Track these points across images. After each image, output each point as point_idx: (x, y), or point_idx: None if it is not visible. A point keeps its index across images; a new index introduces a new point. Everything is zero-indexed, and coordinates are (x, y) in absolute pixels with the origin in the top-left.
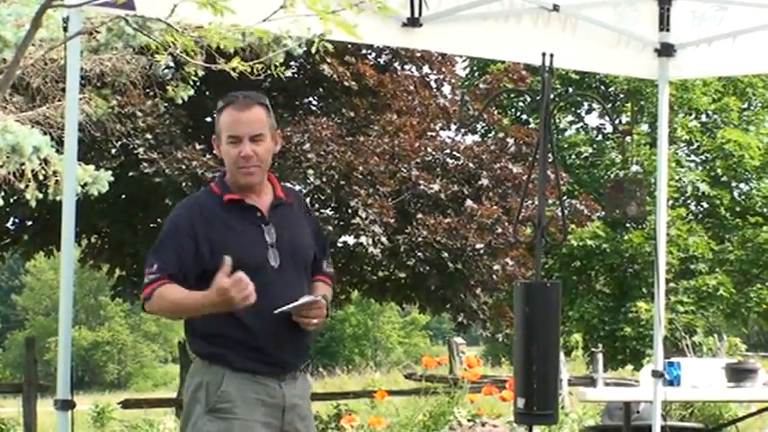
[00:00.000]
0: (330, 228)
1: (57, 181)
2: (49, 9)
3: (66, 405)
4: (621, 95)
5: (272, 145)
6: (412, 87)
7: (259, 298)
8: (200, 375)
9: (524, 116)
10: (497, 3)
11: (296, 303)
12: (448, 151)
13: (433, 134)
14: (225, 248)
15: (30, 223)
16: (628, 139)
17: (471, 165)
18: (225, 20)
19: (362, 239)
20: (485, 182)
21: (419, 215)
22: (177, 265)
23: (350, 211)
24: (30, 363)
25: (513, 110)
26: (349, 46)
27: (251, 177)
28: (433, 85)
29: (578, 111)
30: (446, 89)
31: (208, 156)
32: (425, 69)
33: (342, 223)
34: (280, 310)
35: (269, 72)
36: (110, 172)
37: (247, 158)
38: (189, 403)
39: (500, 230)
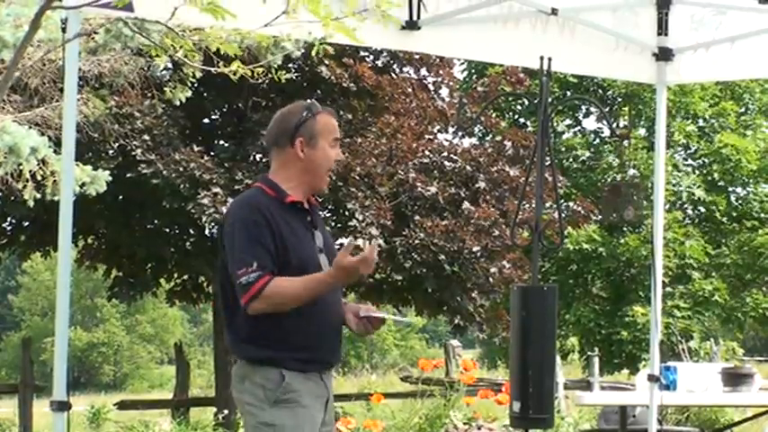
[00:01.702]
0: (327, 229)
1: (54, 181)
2: (48, 10)
3: (63, 406)
4: (619, 99)
5: None
6: (410, 89)
7: (316, 303)
8: (252, 377)
9: (522, 119)
10: (495, 6)
11: (394, 317)
12: (445, 154)
13: (431, 136)
14: (290, 248)
15: (26, 224)
16: (625, 142)
17: (468, 167)
18: (226, 24)
19: (359, 242)
20: (482, 185)
21: (416, 217)
22: (273, 262)
23: (347, 212)
24: (26, 364)
25: (510, 113)
26: (347, 48)
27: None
28: (431, 87)
29: (576, 114)
30: (444, 92)
31: (205, 158)
32: (423, 72)
33: (339, 225)
34: (395, 319)
35: (268, 74)
36: (107, 172)
37: (338, 162)
38: (248, 405)
39: (497, 233)
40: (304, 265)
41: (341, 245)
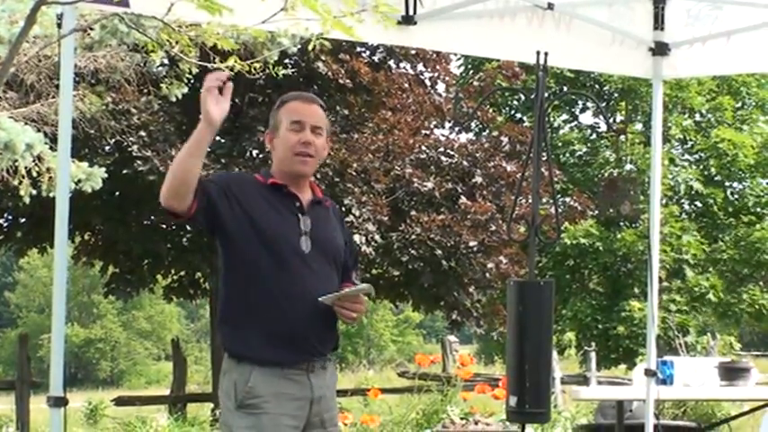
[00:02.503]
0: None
1: (50, 178)
2: (43, 6)
3: (59, 402)
4: (616, 94)
5: (326, 144)
6: (406, 85)
7: (289, 282)
8: (230, 373)
9: (518, 114)
10: (492, 1)
11: (349, 290)
12: (442, 149)
13: (428, 132)
14: (257, 220)
15: (23, 220)
16: (622, 137)
17: (465, 163)
18: (223, 19)
19: (356, 237)
20: (478, 180)
21: (413, 212)
22: (209, 197)
23: (344, 208)
24: (23, 360)
25: (507, 108)
26: (343, 44)
27: (305, 166)
28: (428, 82)
29: (572, 109)
30: (440, 87)
31: None
32: (420, 67)
33: None
34: (329, 296)
35: (265, 70)
36: (103, 169)
37: (306, 145)
38: (222, 401)
39: (494, 228)
40: (274, 238)
41: None
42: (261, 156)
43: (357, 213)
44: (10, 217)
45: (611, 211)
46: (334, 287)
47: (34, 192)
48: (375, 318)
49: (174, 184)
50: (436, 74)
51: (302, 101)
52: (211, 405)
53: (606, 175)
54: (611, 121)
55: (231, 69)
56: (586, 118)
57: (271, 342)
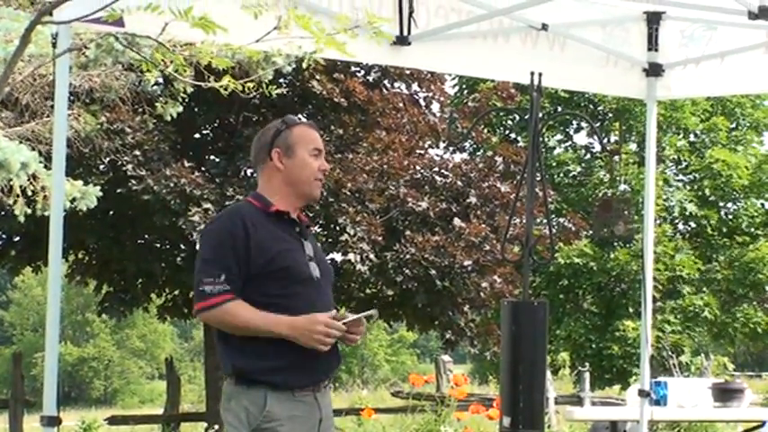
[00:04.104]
0: (318, 244)
1: (45, 196)
2: (39, 25)
3: (53, 421)
4: (610, 114)
5: None
6: (401, 105)
7: (305, 308)
8: (239, 398)
9: (513, 134)
10: (486, 22)
11: (356, 316)
12: (436, 169)
13: (422, 152)
14: (275, 256)
15: (17, 238)
16: (616, 157)
17: (459, 183)
18: (217, 38)
19: (350, 256)
20: (473, 200)
21: (407, 232)
22: (240, 276)
23: (338, 228)
24: (17, 379)
25: (501, 128)
26: (338, 63)
27: (320, 190)
28: (422, 102)
29: (567, 129)
30: (435, 107)
31: (196, 173)
32: (414, 87)
33: (330, 240)
34: (350, 319)
35: (259, 89)
36: (98, 187)
37: (325, 172)
38: (229, 425)
39: (488, 248)
40: (291, 269)
41: (332, 259)
42: (255, 175)
43: (351, 233)
44: (4, 236)
45: (605, 231)
46: (331, 308)
47: (29, 210)
48: (369, 337)
49: (222, 328)
50: (431, 94)
51: (311, 128)
52: (205, 424)
53: (600, 195)
54: (605, 141)
55: (225, 88)
56: (581, 138)
57: (286, 368)
